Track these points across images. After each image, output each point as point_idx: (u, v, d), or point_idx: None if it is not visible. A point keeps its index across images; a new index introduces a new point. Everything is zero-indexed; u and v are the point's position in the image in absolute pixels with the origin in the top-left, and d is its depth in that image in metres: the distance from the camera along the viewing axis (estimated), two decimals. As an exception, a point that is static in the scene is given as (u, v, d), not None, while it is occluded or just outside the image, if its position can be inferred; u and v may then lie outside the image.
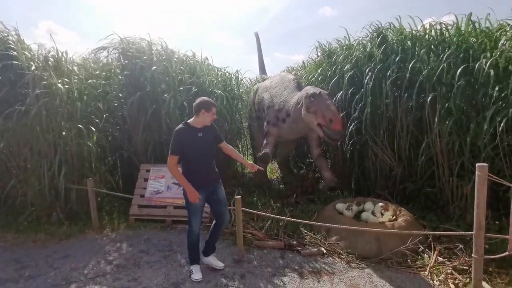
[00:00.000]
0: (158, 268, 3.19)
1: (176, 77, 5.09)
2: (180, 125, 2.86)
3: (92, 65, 5.64)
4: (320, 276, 2.93)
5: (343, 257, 3.22)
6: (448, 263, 2.98)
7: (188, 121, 2.88)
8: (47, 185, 4.13)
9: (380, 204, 3.85)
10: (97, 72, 5.47)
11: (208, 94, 5.06)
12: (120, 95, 5.19)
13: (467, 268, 2.86)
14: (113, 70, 5.41)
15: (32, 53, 4.45)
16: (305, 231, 3.75)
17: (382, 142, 4.49)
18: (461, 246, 3.19)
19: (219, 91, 5.26)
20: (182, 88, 5.05)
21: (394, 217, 3.63)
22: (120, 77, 5.20)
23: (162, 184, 4.40)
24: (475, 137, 3.56)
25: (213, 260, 3.13)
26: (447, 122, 3.71)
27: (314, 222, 3.42)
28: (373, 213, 3.66)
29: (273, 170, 6.97)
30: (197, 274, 2.94)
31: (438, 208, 4.11)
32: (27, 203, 4.30)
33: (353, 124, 4.61)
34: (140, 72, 4.97)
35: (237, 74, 6.00)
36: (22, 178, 4.22)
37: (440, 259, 3.04)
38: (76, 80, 4.75)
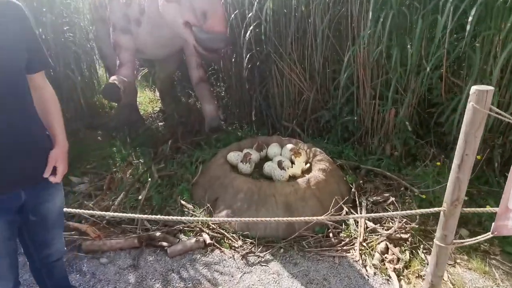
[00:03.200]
0: None
1: None
2: None
3: None
4: (198, 298, 1.70)
5: (236, 245, 2.03)
6: (379, 229, 2.09)
7: None
8: None
9: (289, 146, 2.69)
10: None
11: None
12: None
13: (406, 237, 2.02)
14: None
15: None
16: (182, 200, 2.40)
17: (289, 56, 3.14)
18: (392, 199, 2.34)
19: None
20: None
21: (308, 164, 2.56)
22: None
23: None
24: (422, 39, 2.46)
25: None
26: (381, 18, 2.49)
27: (171, 217, 2.03)
28: (279, 163, 2.48)
29: (153, 101, 5.14)
30: None
31: (356, 140, 3.24)
32: None
33: (250, 28, 3.05)
34: None
35: None
36: None
37: (371, 224, 2.14)
38: None
